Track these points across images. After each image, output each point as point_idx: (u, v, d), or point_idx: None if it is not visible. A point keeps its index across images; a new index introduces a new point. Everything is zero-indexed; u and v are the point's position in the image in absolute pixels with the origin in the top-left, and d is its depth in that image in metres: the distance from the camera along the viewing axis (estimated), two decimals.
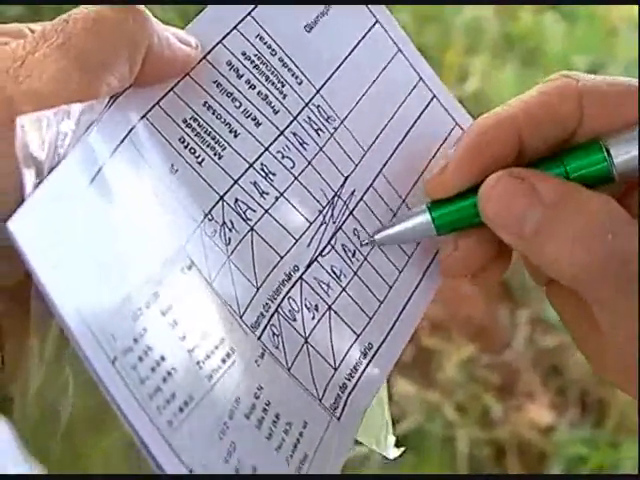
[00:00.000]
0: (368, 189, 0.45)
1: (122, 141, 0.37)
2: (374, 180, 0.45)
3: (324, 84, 0.44)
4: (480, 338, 1.36)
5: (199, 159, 0.40)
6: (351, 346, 0.43)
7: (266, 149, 0.42)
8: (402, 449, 0.46)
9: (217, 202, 0.40)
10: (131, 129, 0.38)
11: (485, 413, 1.31)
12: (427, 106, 0.47)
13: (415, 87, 0.47)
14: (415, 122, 0.47)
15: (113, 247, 0.35)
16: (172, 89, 0.40)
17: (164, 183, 0.38)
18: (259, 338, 0.40)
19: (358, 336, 0.43)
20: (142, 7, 0.37)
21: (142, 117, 0.39)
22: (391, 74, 0.47)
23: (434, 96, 0.48)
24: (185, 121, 0.40)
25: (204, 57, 0.41)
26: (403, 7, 1.72)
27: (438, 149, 0.47)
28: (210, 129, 0.41)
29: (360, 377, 0.43)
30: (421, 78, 0.47)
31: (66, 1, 0.38)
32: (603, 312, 0.40)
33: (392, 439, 0.46)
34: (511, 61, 1.78)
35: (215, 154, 0.40)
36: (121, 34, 0.37)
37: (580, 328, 0.43)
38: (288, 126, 0.43)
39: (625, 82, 0.42)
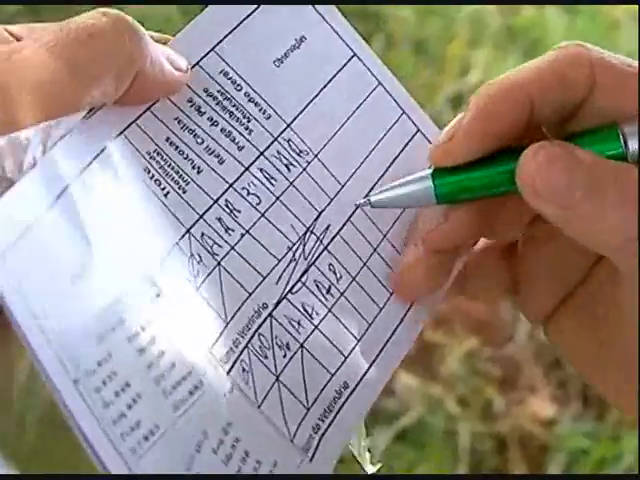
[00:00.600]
0: (345, 224, 0.43)
1: (90, 162, 0.37)
2: (352, 214, 0.44)
3: (295, 117, 0.43)
4: (482, 332, 1.36)
5: (165, 191, 0.39)
6: (325, 386, 0.41)
7: (230, 185, 0.41)
8: (379, 465, 0.44)
9: (184, 234, 0.39)
10: (103, 149, 0.37)
11: (487, 406, 1.31)
12: (411, 139, 0.46)
13: (397, 121, 0.46)
14: (398, 155, 0.46)
15: (76, 270, 0.34)
16: (149, 108, 0.39)
17: (132, 210, 0.38)
18: (228, 373, 0.38)
19: (332, 375, 0.42)
20: (140, 27, 0.37)
21: (119, 134, 0.38)
22: (371, 108, 0.45)
23: (418, 130, 0.46)
24: (149, 153, 0.39)
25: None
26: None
27: None
28: (173, 164, 0.40)
29: (335, 417, 0.41)
30: (404, 111, 0.46)
31: (67, 0, 0.37)
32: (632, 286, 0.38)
33: (368, 455, 0.44)
34: (513, 54, 1.78)
35: (179, 188, 0.39)
36: (114, 51, 0.36)
37: (587, 363, 0.42)
38: (254, 162, 0.42)
39: (633, 62, 0.41)
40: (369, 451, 0.44)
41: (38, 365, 0.32)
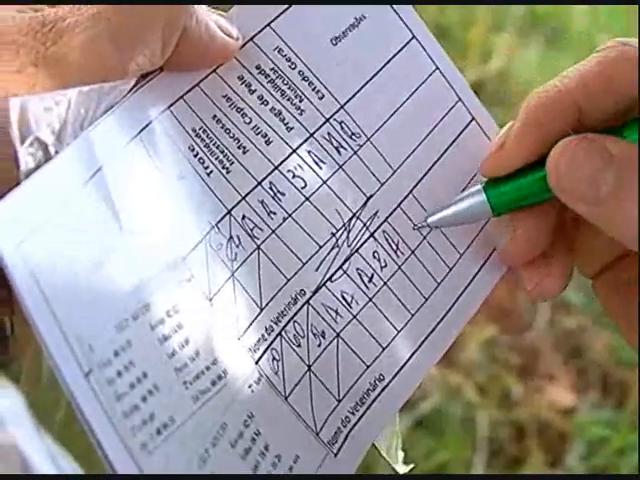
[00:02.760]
0: (395, 210, 0.42)
1: (132, 138, 0.36)
2: (402, 201, 0.43)
3: (350, 99, 0.42)
4: (501, 319, 1.35)
5: (207, 170, 0.38)
6: (359, 377, 0.40)
7: (275, 167, 0.40)
8: (411, 466, 0.43)
9: (224, 215, 0.38)
10: (147, 125, 0.37)
11: (506, 394, 1.31)
12: (465, 128, 0.45)
13: (453, 108, 0.45)
14: (452, 144, 0.45)
15: (102, 251, 0.33)
16: (198, 84, 0.39)
17: (171, 190, 0.37)
18: (257, 362, 0.38)
19: (368, 367, 0.41)
20: None
21: (165, 109, 0.37)
22: (427, 93, 0.44)
23: (473, 118, 0.46)
24: (195, 131, 0.38)
25: (214, 70, 0.40)
26: None
27: (476, 173, 0.44)
28: (219, 142, 0.39)
29: (366, 411, 0.40)
30: (460, 99, 0.45)
31: (69, 0, 0.37)
32: None
33: (401, 454, 0.43)
34: (535, 40, 1.77)
35: (223, 168, 0.39)
36: (157, 12, 0.35)
37: (626, 321, 0.42)
38: (302, 144, 0.41)
39: None
40: (403, 450, 0.43)
41: (48, 355, 0.31)
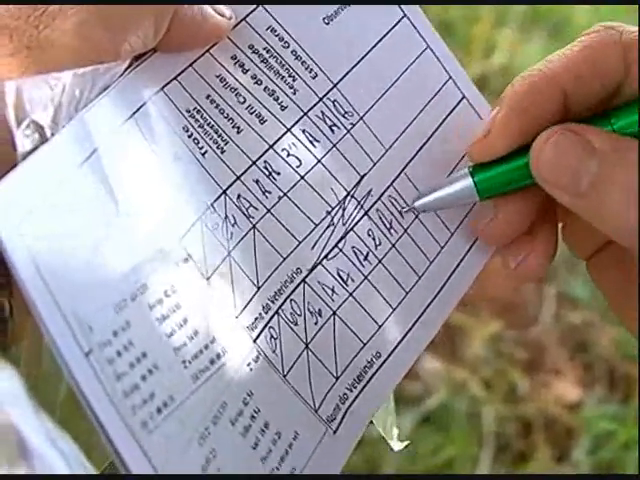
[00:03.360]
0: (387, 189, 0.43)
1: (127, 120, 0.36)
2: (395, 179, 0.43)
3: (342, 78, 0.42)
4: (507, 314, 1.35)
5: (202, 150, 0.38)
6: (356, 355, 0.41)
7: (270, 147, 0.40)
8: (406, 442, 0.44)
9: (220, 195, 0.38)
10: (141, 106, 0.37)
11: (512, 389, 1.31)
12: (456, 106, 0.45)
13: (444, 86, 0.45)
14: (442, 122, 0.45)
15: (100, 231, 0.33)
16: (191, 65, 0.39)
17: (166, 170, 0.37)
18: (255, 340, 0.38)
19: (365, 344, 0.41)
20: None
21: (158, 90, 0.38)
22: (418, 71, 0.44)
23: (464, 96, 0.46)
24: (189, 111, 0.38)
25: (207, 50, 0.40)
26: None
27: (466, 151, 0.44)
28: (213, 122, 0.39)
29: (364, 387, 0.41)
30: (450, 77, 0.45)
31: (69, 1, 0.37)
32: None
33: (396, 431, 0.44)
34: (538, 35, 1.77)
35: (218, 148, 0.39)
36: None
37: (618, 299, 0.43)
38: (296, 123, 0.41)
39: None
40: (397, 428, 0.44)
41: (47, 336, 0.31)
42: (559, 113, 0.40)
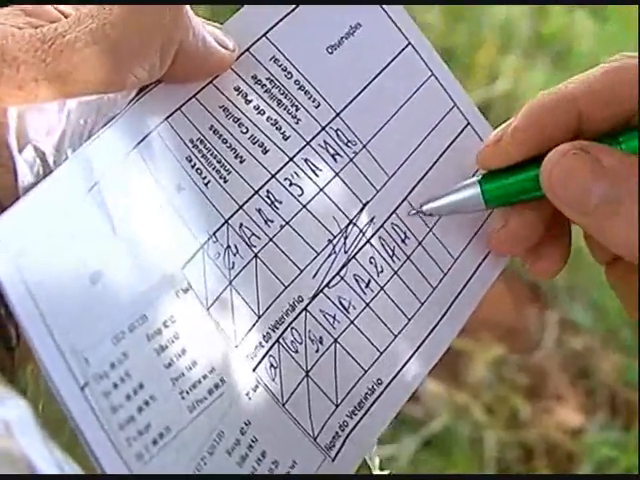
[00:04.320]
0: (391, 215, 0.43)
1: (131, 151, 0.36)
2: (398, 206, 0.43)
3: (345, 107, 0.43)
4: (509, 339, 1.35)
5: (205, 180, 0.38)
6: (357, 382, 0.41)
7: (272, 176, 0.40)
8: (387, 472, 0.43)
9: (222, 225, 0.39)
10: (145, 136, 0.37)
11: (513, 414, 1.31)
12: (460, 133, 0.46)
13: (448, 113, 0.45)
14: (447, 149, 0.45)
15: (98, 263, 0.34)
16: (194, 96, 0.39)
17: (168, 201, 0.37)
18: (254, 369, 0.38)
19: (366, 371, 0.41)
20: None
21: (163, 121, 0.38)
22: (422, 98, 0.45)
23: (468, 123, 0.46)
24: (192, 142, 0.39)
25: (210, 81, 0.40)
26: (433, 6, 1.72)
27: (473, 176, 0.44)
28: (216, 152, 0.39)
29: (365, 414, 0.41)
30: (455, 104, 0.46)
31: (69, 1, 0.37)
32: None
33: (377, 460, 0.43)
34: (542, 61, 1.77)
35: (221, 177, 0.39)
36: (155, 26, 0.36)
37: (634, 306, 0.43)
38: (299, 152, 0.41)
39: None
40: (378, 456, 0.43)
41: (43, 369, 0.31)
42: (572, 131, 0.41)
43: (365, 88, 0.43)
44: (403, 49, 0.45)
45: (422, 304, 0.43)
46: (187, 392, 0.35)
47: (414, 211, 0.43)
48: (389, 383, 0.42)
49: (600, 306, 1.40)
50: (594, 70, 0.41)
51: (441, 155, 0.45)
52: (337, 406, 0.40)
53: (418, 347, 0.43)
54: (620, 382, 1.34)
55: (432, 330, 0.43)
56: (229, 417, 0.36)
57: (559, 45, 1.82)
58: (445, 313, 0.44)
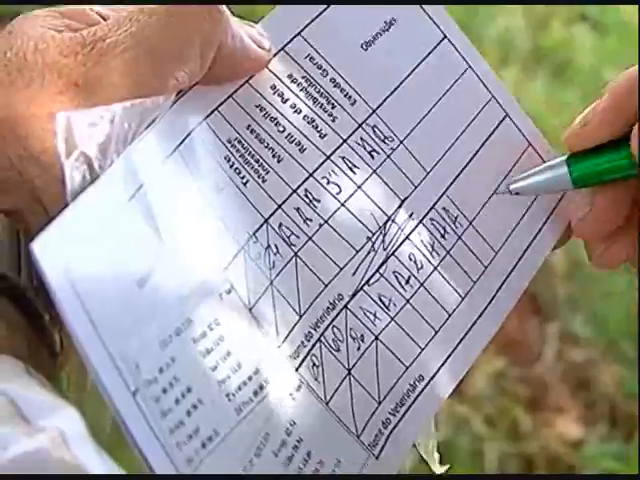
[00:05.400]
0: (430, 211, 0.43)
1: (172, 153, 0.36)
2: (437, 201, 0.43)
3: (382, 103, 0.42)
4: (509, 351, 1.35)
5: (244, 180, 0.39)
6: (399, 379, 0.41)
7: (310, 175, 0.40)
8: (447, 466, 0.44)
9: (262, 225, 0.38)
10: (184, 138, 0.37)
11: (514, 426, 1.30)
12: (498, 125, 0.45)
13: (486, 105, 0.45)
14: (485, 141, 0.44)
15: (144, 268, 0.34)
16: (231, 96, 0.39)
17: (209, 202, 0.37)
18: (297, 369, 0.38)
19: (407, 368, 0.41)
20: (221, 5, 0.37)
21: (201, 122, 0.38)
22: (459, 92, 0.44)
23: (506, 115, 0.45)
24: (230, 141, 0.39)
25: (246, 81, 0.40)
26: None
27: (510, 170, 0.44)
28: (254, 152, 0.39)
29: (407, 411, 0.40)
30: (493, 96, 0.45)
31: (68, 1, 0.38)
32: None
33: (437, 456, 0.44)
34: (542, 74, 1.78)
35: (259, 177, 0.39)
36: (195, 28, 0.36)
37: None
38: (336, 150, 0.41)
39: None
40: (438, 451, 0.44)
41: (95, 376, 0.31)
42: None
43: (401, 84, 0.43)
44: (439, 43, 0.45)
45: (462, 299, 0.43)
46: (233, 394, 0.35)
47: (500, 190, 0.43)
48: (430, 379, 0.41)
49: (600, 318, 1.40)
50: None
51: (480, 148, 0.44)
52: (380, 403, 0.40)
53: (459, 342, 0.42)
54: (620, 394, 1.34)
55: (473, 325, 0.43)
56: (274, 418, 0.36)
57: (559, 58, 1.82)
58: (486, 308, 0.43)
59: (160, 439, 0.32)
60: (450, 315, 0.42)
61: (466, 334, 0.43)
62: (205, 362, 0.34)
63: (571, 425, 1.33)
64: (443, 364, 0.42)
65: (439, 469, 0.44)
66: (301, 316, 0.38)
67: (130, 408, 0.31)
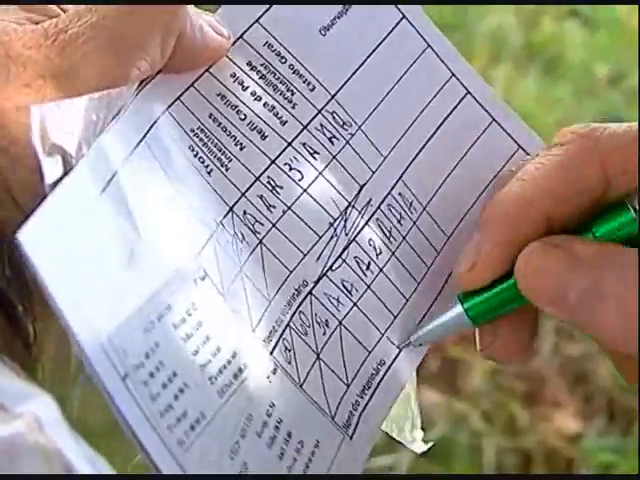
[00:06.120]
0: (386, 197, 0.42)
1: (138, 143, 0.37)
2: (393, 187, 0.43)
3: (340, 88, 0.42)
4: None
5: (208, 169, 0.39)
6: (363, 362, 0.41)
7: (272, 162, 0.40)
8: (430, 444, 0.44)
9: (227, 213, 0.39)
10: (149, 128, 0.37)
11: (512, 422, 1.31)
12: (459, 103, 0.44)
13: (446, 84, 0.44)
14: (444, 121, 0.44)
15: (124, 258, 0.34)
16: (192, 84, 0.39)
17: (178, 190, 0.37)
18: (271, 353, 0.38)
19: (370, 352, 0.41)
20: None
21: (165, 110, 0.38)
22: (418, 72, 0.43)
23: (467, 92, 0.44)
24: (193, 131, 0.39)
25: (207, 70, 0.40)
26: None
27: (468, 149, 0.44)
28: (217, 141, 0.39)
29: (373, 394, 0.41)
30: (453, 74, 0.44)
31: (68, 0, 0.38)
32: None
33: (420, 434, 0.44)
34: (533, 70, 1.78)
35: (222, 165, 0.39)
36: (155, 17, 0.36)
37: (625, 363, 0.40)
38: (297, 136, 0.41)
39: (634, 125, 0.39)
40: (423, 429, 0.44)
41: (86, 362, 0.31)
42: (543, 231, 0.39)
43: (360, 67, 0.43)
44: (397, 23, 0.44)
45: (418, 284, 0.43)
46: (215, 378, 0.35)
47: (403, 345, 0.42)
48: (391, 363, 0.42)
49: None
50: (549, 160, 0.39)
51: (437, 128, 0.44)
52: (348, 386, 0.40)
53: (418, 323, 0.42)
54: (618, 387, 1.35)
55: (428, 310, 0.43)
56: (255, 400, 0.37)
57: (550, 54, 1.83)
58: (440, 292, 0.43)
59: (152, 422, 0.32)
60: (407, 300, 0.42)
61: (423, 317, 0.43)
62: (186, 347, 0.35)
63: (569, 419, 1.33)
64: (401, 350, 0.42)
65: (420, 447, 0.44)
66: (270, 302, 0.39)
67: (122, 392, 0.32)
